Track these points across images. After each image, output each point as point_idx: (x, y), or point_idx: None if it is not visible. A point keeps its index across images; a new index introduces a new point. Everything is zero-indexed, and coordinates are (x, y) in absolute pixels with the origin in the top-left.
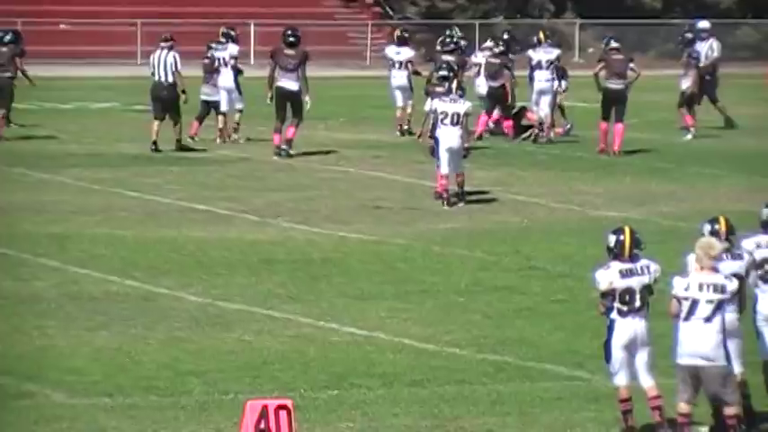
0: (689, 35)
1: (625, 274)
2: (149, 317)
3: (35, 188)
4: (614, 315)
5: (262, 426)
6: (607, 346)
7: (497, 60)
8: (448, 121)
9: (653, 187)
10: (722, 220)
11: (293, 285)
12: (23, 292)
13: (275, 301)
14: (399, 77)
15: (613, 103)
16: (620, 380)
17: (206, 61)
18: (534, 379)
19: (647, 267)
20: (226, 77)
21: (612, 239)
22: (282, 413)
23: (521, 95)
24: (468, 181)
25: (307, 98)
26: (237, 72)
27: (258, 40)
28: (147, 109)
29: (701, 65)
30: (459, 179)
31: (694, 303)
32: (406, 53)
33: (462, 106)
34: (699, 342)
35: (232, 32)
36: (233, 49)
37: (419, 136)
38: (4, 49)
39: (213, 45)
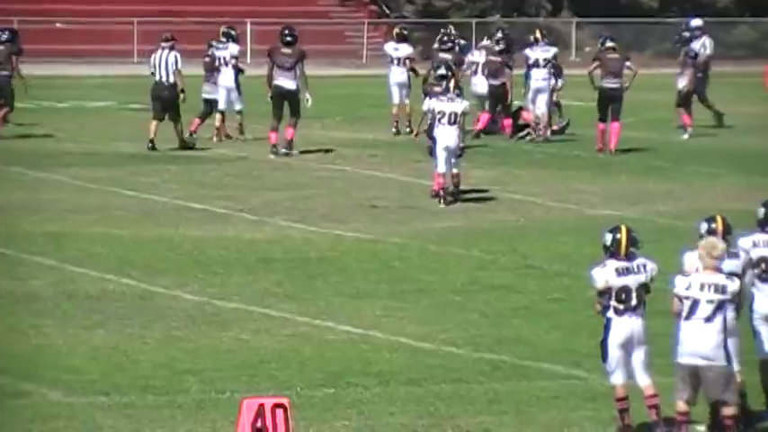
0: (686, 34)
1: (621, 272)
2: (146, 316)
3: (32, 187)
4: (611, 314)
5: (258, 424)
6: (604, 344)
7: (498, 59)
8: (445, 120)
9: (650, 186)
10: (719, 218)
11: (290, 284)
12: (20, 290)
13: (272, 299)
14: (398, 74)
15: (609, 103)
16: (617, 379)
17: (206, 59)
18: (531, 378)
19: (644, 266)
20: (226, 77)
21: (609, 238)
22: (279, 411)
23: (515, 94)
24: (465, 180)
25: (307, 95)
26: (238, 72)
27: (255, 39)
28: (146, 108)
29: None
30: (455, 179)
31: (695, 303)
32: (405, 50)
33: (459, 106)
34: (699, 342)
35: (233, 32)
36: (234, 48)
37: (416, 135)
38: (1, 47)
39: (214, 43)
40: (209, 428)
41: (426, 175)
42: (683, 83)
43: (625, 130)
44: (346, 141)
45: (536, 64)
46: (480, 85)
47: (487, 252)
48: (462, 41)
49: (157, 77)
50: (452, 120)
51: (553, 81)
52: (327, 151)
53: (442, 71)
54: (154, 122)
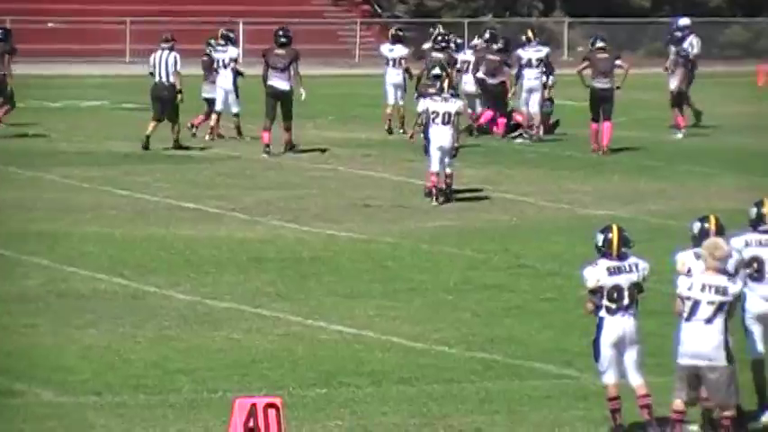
0: (678, 33)
1: (613, 271)
2: (138, 315)
3: (24, 186)
4: (603, 313)
5: (251, 424)
6: (596, 344)
7: (497, 57)
8: (439, 120)
9: (642, 186)
10: (712, 218)
11: (282, 284)
12: (12, 290)
13: (264, 299)
14: (394, 75)
15: (600, 103)
16: (609, 378)
17: (204, 58)
18: (523, 377)
19: (636, 265)
20: (224, 79)
21: (601, 238)
22: (271, 411)
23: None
24: (458, 179)
25: (302, 90)
26: (237, 75)
27: (247, 39)
28: (139, 107)
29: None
30: (448, 179)
31: (696, 304)
32: (400, 51)
33: (453, 105)
34: (699, 343)
35: (231, 35)
36: (233, 51)
37: (411, 136)
38: None
39: (212, 43)
40: (202, 428)
41: (419, 174)
42: (674, 83)
43: (617, 129)
44: (339, 141)
45: (528, 64)
46: (470, 83)
47: (480, 251)
48: (459, 40)
49: (157, 78)
50: (446, 119)
51: (544, 78)
52: (321, 151)
53: (437, 71)
54: (153, 123)
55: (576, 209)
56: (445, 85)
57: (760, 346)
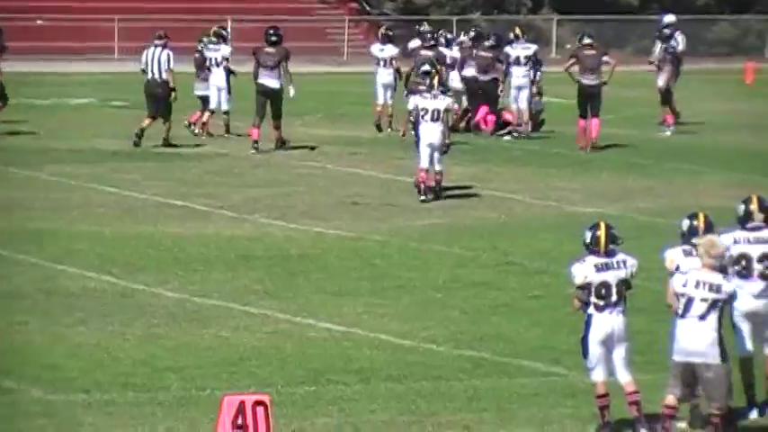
0: (666, 31)
1: (600, 268)
2: (127, 313)
3: (12, 184)
4: (591, 310)
5: (239, 421)
6: (584, 341)
7: (489, 54)
8: (428, 117)
9: (630, 183)
10: (701, 216)
11: (270, 281)
12: (1, 288)
13: (252, 297)
14: (385, 75)
15: (588, 99)
16: (598, 375)
17: (196, 56)
18: (511, 375)
19: (624, 262)
20: (217, 77)
21: (588, 235)
22: (260, 409)
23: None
24: (446, 177)
25: (291, 88)
26: (229, 73)
27: (235, 37)
28: (127, 105)
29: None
30: (437, 176)
31: (690, 301)
32: (390, 51)
33: (443, 102)
34: (692, 339)
35: (224, 33)
36: (225, 50)
37: (404, 134)
38: None
39: (204, 41)
40: (190, 426)
41: (407, 172)
42: (662, 79)
43: (605, 126)
44: (327, 138)
45: (517, 61)
46: (456, 80)
47: (468, 249)
48: (449, 35)
49: (149, 75)
50: (436, 116)
51: (532, 75)
52: (310, 148)
53: (426, 68)
54: (148, 120)
55: (564, 206)
56: (435, 82)
57: (748, 344)
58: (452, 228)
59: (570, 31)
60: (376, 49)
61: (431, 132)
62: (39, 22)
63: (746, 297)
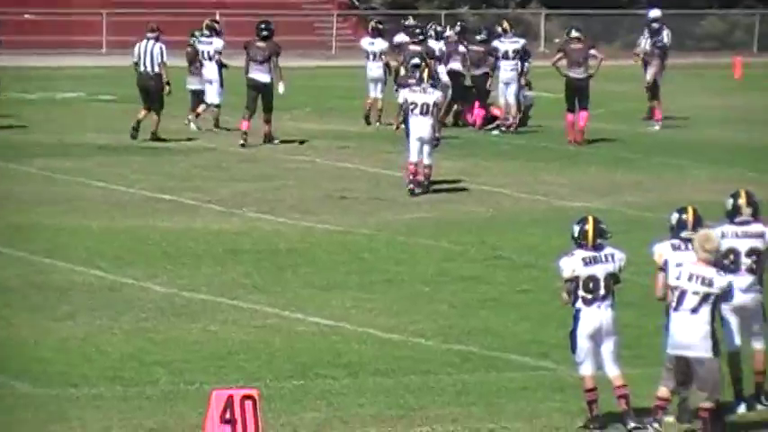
0: (655, 25)
1: (588, 261)
2: (115, 307)
3: (0, 178)
4: (579, 304)
5: (227, 416)
6: (573, 335)
7: (481, 48)
8: (418, 111)
9: (618, 177)
10: (690, 210)
11: (259, 275)
12: None
13: (241, 291)
14: (375, 69)
15: (576, 93)
16: (586, 369)
17: (189, 50)
18: (499, 369)
19: (612, 255)
20: (210, 70)
21: (576, 229)
22: (248, 403)
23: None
24: (434, 171)
25: (281, 84)
26: (222, 66)
27: (225, 31)
28: (114, 99)
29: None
30: (426, 171)
31: (682, 294)
32: (380, 44)
33: (432, 96)
34: (685, 333)
35: (216, 25)
36: (218, 43)
37: (397, 127)
38: None
39: (197, 34)
40: (178, 420)
41: (396, 166)
42: (650, 74)
43: (594, 121)
44: (315, 133)
45: (505, 55)
46: (442, 73)
47: (456, 243)
48: (439, 28)
49: (141, 68)
50: (425, 110)
51: (520, 66)
52: (300, 142)
53: (416, 60)
54: (144, 111)
55: (552, 200)
56: (425, 75)
57: (737, 338)
58: (440, 222)
59: (558, 26)
60: (366, 42)
61: (420, 126)
62: (26, 16)
63: (735, 291)
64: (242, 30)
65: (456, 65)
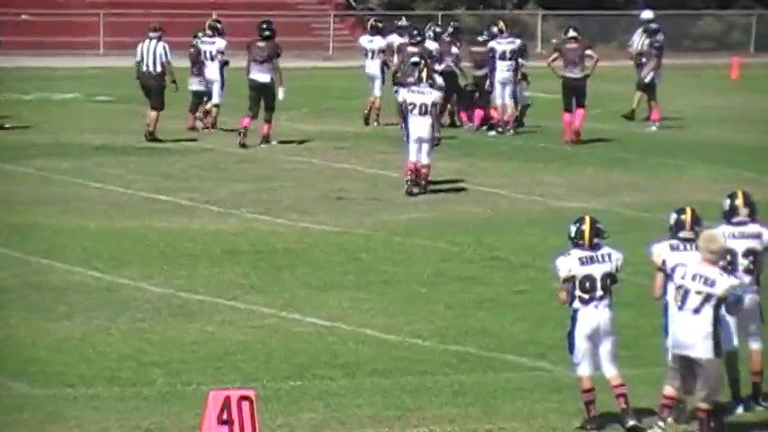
0: (653, 25)
1: (585, 261)
2: (112, 307)
3: None
4: (577, 304)
5: (224, 416)
6: (570, 336)
7: (483, 49)
8: (416, 111)
9: (615, 178)
10: (689, 210)
11: (256, 276)
12: None
13: (238, 291)
14: (372, 66)
15: (572, 92)
16: (583, 370)
17: (191, 50)
18: (497, 370)
19: (609, 255)
20: (212, 70)
21: (573, 228)
22: (245, 404)
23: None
24: (431, 171)
25: (281, 89)
26: (224, 64)
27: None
28: (111, 100)
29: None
30: (424, 170)
31: (686, 293)
32: (379, 42)
33: (430, 96)
34: (686, 333)
35: (219, 25)
36: (221, 43)
37: (401, 126)
38: None
39: (200, 35)
40: (176, 420)
41: (392, 166)
42: (648, 75)
43: (591, 121)
44: (312, 133)
45: (502, 56)
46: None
47: (453, 244)
48: (437, 29)
49: (144, 68)
50: (424, 111)
51: (513, 64)
52: (298, 142)
53: (416, 59)
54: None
55: (549, 201)
56: (423, 75)
57: (734, 339)
58: (437, 222)
59: (555, 26)
60: (365, 40)
61: (419, 127)
62: (23, 16)
63: (744, 298)
64: (238, 30)
65: (449, 65)
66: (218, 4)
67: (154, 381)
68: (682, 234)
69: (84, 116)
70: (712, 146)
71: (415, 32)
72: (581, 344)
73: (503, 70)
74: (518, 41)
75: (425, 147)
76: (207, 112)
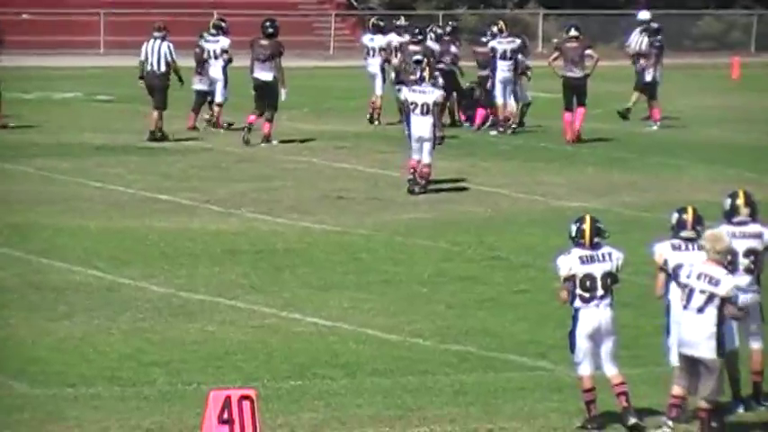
0: (654, 25)
1: (585, 260)
2: (112, 307)
3: None
4: (578, 303)
5: (225, 416)
6: (572, 335)
7: (486, 50)
8: (418, 111)
9: (615, 177)
10: (690, 209)
11: (256, 276)
12: None
13: (238, 291)
14: (374, 65)
15: (573, 92)
16: (584, 369)
17: (197, 50)
18: (497, 369)
19: (609, 254)
20: (216, 69)
21: (574, 228)
22: (246, 403)
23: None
24: (432, 171)
25: (283, 90)
26: (227, 63)
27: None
28: (112, 99)
29: (635, 53)
30: (425, 169)
31: (691, 292)
32: (380, 41)
33: (432, 96)
34: (690, 332)
35: (223, 24)
36: (224, 42)
37: None
38: None
39: (205, 35)
40: (176, 420)
41: (393, 166)
42: (650, 74)
43: (592, 121)
44: (313, 133)
45: (503, 56)
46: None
47: (454, 243)
48: (438, 30)
49: (148, 67)
50: (425, 110)
51: (513, 63)
52: (300, 142)
53: (418, 57)
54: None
55: (549, 201)
56: (425, 74)
57: (735, 338)
58: (438, 222)
59: (556, 26)
60: (366, 38)
61: (420, 126)
62: (24, 16)
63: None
64: (239, 30)
65: (447, 64)
66: (218, 3)
67: (154, 380)
68: (683, 233)
69: (85, 115)
70: (713, 146)
71: (417, 31)
72: (582, 343)
73: (504, 70)
74: (518, 40)
75: (427, 146)
76: (212, 115)
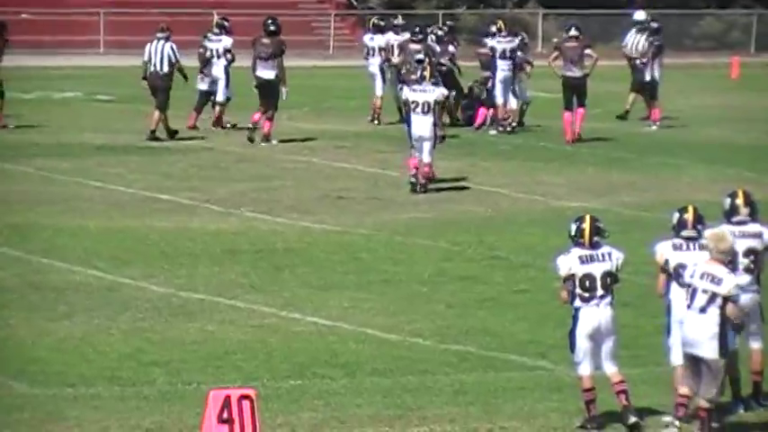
0: (654, 24)
1: (585, 260)
2: (112, 307)
3: None
4: (578, 303)
5: (225, 415)
6: (572, 335)
7: (487, 50)
8: (419, 110)
9: (615, 177)
10: (691, 209)
11: (256, 275)
12: None
13: (238, 291)
14: (372, 65)
15: (573, 91)
16: (584, 369)
17: (200, 50)
18: (497, 369)
19: (609, 254)
20: (218, 68)
21: (574, 227)
22: (245, 403)
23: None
24: (432, 171)
25: (284, 89)
26: (229, 62)
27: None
28: (112, 99)
29: (634, 54)
30: (425, 169)
31: (694, 291)
32: (380, 40)
33: (432, 95)
34: (693, 331)
35: (226, 24)
36: (227, 41)
37: None
38: None
39: (208, 35)
40: (176, 420)
41: (393, 166)
42: (649, 73)
43: (591, 121)
44: (313, 132)
45: (502, 55)
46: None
47: (454, 243)
48: (439, 32)
49: (152, 68)
50: (426, 109)
51: (521, 54)
52: (294, 142)
53: (420, 56)
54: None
55: (549, 200)
56: (426, 74)
57: (735, 339)
58: (438, 222)
59: (556, 26)
60: (367, 38)
61: (421, 125)
62: (24, 15)
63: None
64: (239, 29)
65: (445, 63)
66: (219, 3)
67: (154, 380)
68: (684, 233)
69: (85, 115)
70: (712, 145)
71: (417, 30)
72: (582, 343)
73: (503, 69)
74: (517, 39)
75: (427, 145)
76: (218, 118)
